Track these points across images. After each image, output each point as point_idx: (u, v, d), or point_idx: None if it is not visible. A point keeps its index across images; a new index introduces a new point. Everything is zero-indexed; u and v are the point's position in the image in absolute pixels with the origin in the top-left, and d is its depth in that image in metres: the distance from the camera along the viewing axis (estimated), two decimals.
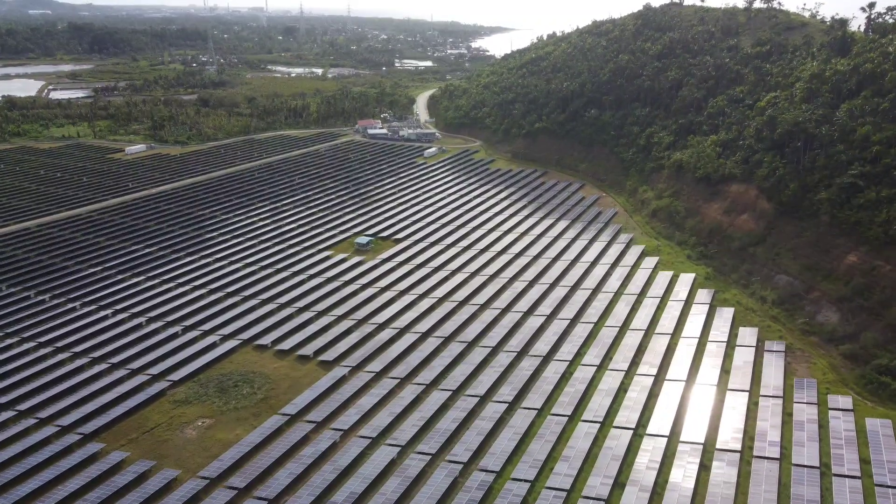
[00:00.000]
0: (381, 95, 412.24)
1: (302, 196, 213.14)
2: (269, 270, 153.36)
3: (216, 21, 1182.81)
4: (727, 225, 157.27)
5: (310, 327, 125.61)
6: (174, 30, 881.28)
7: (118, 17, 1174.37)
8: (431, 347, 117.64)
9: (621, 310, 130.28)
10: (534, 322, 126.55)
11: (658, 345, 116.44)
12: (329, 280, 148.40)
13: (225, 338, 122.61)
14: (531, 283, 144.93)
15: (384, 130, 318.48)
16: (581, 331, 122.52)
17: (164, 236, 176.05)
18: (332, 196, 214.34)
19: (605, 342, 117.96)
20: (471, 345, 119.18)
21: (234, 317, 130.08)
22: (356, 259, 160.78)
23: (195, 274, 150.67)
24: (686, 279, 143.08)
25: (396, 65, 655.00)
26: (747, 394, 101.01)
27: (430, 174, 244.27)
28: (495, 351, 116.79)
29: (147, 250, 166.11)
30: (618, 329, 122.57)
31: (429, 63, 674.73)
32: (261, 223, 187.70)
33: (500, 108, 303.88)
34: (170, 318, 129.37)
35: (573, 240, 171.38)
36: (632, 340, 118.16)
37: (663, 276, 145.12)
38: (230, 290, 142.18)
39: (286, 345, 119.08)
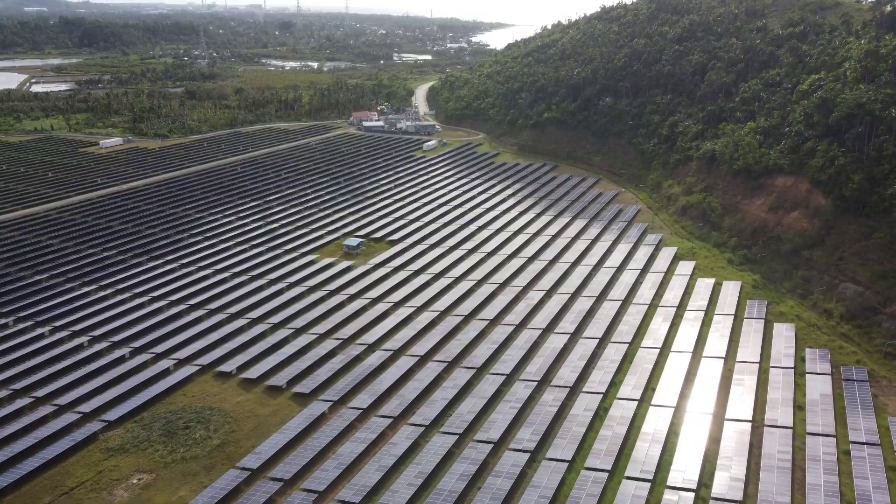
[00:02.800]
0: (378, 87, 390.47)
1: (287, 192, 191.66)
2: (243, 278, 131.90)
3: (212, 17, 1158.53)
4: (774, 224, 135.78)
5: (284, 349, 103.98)
6: (167, 24, 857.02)
7: (114, 14, 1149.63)
8: (432, 375, 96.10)
9: (659, 326, 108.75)
10: (555, 342, 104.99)
11: (710, 372, 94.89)
12: (311, 289, 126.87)
13: (180, 363, 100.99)
14: (549, 293, 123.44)
15: (380, 123, 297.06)
16: (613, 353, 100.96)
17: (127, 238, 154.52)
18: (322, 192, 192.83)
19: (644, 368, 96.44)
20: (480, 371, 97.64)
21: (194, 336, 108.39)
22: (345, 264, 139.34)
23: (156, 282, 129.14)
24: (731, 288, 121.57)
25: (395, 59, 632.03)
26: (833, 440, 79.52)
27: (430, 169, 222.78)
28: (510, 380, 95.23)
29: (105, 254, 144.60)
30: (658, 351, 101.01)
31: (428, 57, 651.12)
32: (238, 223, 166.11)
33: (504, 98, 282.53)
34: (117, 338, 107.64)
35: (593, 241, 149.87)
36: (677, 366, 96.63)
37: (703, 284, 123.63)
38: (194, 301, 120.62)
39: (254, 372, 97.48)
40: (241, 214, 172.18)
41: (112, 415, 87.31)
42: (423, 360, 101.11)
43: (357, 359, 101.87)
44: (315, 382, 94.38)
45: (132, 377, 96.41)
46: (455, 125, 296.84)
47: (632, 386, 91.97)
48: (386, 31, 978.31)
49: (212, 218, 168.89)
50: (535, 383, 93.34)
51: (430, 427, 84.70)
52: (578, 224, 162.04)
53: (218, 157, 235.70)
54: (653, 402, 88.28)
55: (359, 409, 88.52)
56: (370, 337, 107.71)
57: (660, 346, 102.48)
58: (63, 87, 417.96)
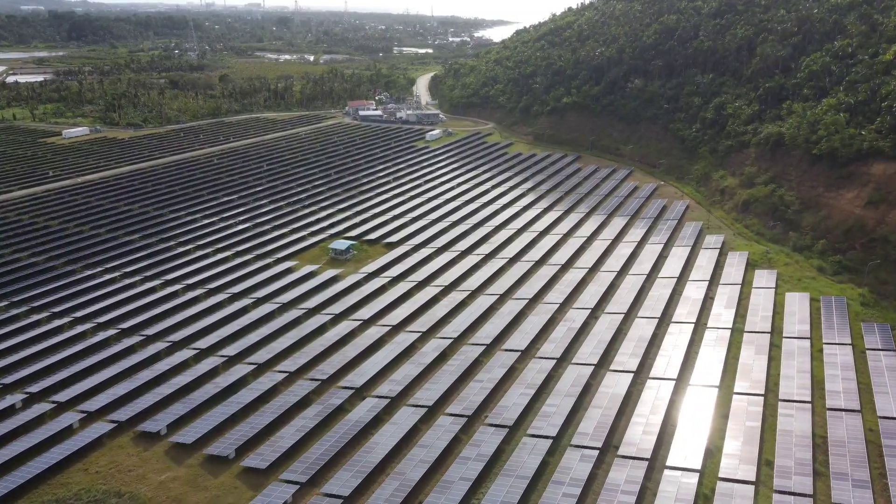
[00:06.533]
0: (376, 76, 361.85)
1: (268, 186, 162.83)
2: (198, 291, 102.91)
3: (210, 15, 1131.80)
4: (874, 222, 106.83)
5: (239, 395, 75.02)
6: (160, 19, 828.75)
7: (111, 13, 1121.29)
8: (445, 438, 67.12)
9: (753, 362, 79.74)
10: (613, 384, 76.00)
11: (846, 432, 65.91)
12: (284, 307, 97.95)
13: (90, 416, 72.11)
14: (594, 313, 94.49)
15: (378, 112, 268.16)
16: (697, 403, 71.93)
17: (65, 239, 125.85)
18: (308, 187, 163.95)
19: (748, 428, 67.46)
20: (513, 431, 68.67)
21: (117, 375, 79.53)
22: (330, 273, 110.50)
23: (85, 297, 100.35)
24: (834, 306, 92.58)
25: (395, 52, 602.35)
26: None
27: (434, 160, 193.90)
28: (557, 446, 66.28)
29: (33, 259, 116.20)
30: (761, 400, 72.00)
31: (429, 51, 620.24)
32: (204, 221, 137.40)
33: (516, 84, 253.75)
34: (10, 379, 78.69)
35: (639, 244, 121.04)
36: (795, 425, 67.64)
37: (795, 301, 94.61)
38: (127, 325, 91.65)
39: (190, 433, 68.51)
40: (209, 211, 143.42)
41: None
42: (432, 412, 72.16)
43: (340, 411, 72.89)
44: (276, 451, 65.35)
45: (15, 442, 67.48)
46: (461, 114, 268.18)
47: (738, 457, 63.00)
48: (385, 27, 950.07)
49: (173, 216, 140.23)
50: (596, 452, 64.36)
51: None
52: (617, 223, 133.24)
53: (194, 148, 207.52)
54: (775, 487, 59.30)
55: (338, 497, 59.51)
56: (358, 377, 78.74)
57: (762, 391, 73.50)
58: (42, 78, 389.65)
